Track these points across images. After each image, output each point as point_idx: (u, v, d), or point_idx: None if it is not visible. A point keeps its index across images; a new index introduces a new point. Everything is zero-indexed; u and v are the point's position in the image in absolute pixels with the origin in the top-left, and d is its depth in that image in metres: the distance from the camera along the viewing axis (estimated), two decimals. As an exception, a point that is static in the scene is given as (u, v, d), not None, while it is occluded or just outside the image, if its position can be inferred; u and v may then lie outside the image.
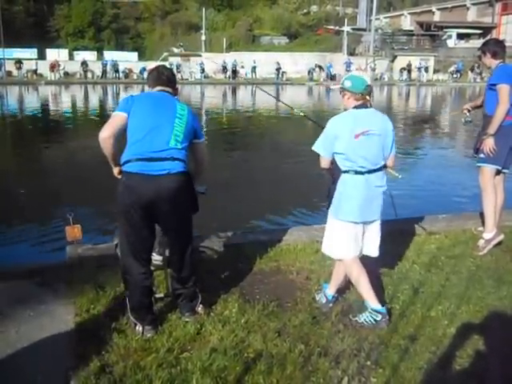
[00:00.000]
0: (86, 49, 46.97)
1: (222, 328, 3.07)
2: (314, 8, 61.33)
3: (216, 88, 36.21)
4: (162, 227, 3.14)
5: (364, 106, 3.18)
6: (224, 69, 40.82)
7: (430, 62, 43.04)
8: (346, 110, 3.26)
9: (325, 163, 3.26)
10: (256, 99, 29.25)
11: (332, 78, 40.67)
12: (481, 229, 4.83)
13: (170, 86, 3.22)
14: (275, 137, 14.73)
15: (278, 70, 40.24)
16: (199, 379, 2.60)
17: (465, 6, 52.87)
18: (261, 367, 2.69)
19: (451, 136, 15.73)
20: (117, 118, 3.02)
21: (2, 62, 36.74)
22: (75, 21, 52.17)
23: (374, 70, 39.09)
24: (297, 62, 42.77)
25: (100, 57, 43.02)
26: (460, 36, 48.30)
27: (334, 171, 3.22)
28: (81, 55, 42.64)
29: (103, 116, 19.04)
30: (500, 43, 4.68)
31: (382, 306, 3.23)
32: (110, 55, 42.30)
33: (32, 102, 25.79)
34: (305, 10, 61.07)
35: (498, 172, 4.59)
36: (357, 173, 3.14)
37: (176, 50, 44.92)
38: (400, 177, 3.68)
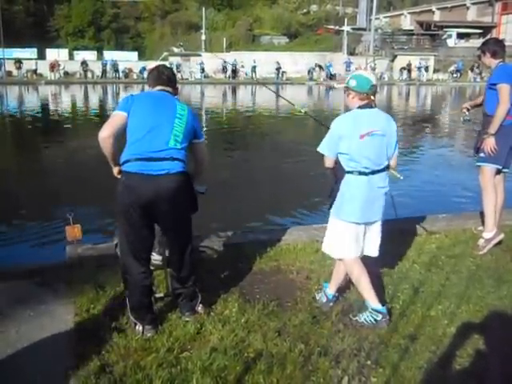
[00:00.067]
0: (85, 48, 46.96)
1: (222, 327, 3.07)
2: (314, 8, 61.31)
3: (216, 88, 36.22)
4: (162, 227, 3.14)
5: (368, 105, 3.15)
6: (224, 68, 40.83)
7: (430, 61, 43.04)
8: (349, 109, 3.23)
9: (329, 163, 3.24)
10: (256, 99, 29.27)
11: (331, 77, 40.68)
12: (481, 228, 4.83)
13: (170, 86, 3.22)
14: (275, 136, 14.73)
15: (278, 69, 40.24)
16: (199, 379, 2.59)
17: (465, 5, 52.85)
18: (261, 367, 2.69)
19: (451, 135, 15.72)
20: (116, 118, 3.01)
21: (1, 61, 36.75)
22: (75, 20, 52.19)
23: (373, 69, 39.05)
24: (297, 62, 42.77)
25: (100, 56, 43.01)
26: (460, 35, 48.29)
27: (338, 171, 3.20)
28: (81, 55, 42.63)
29: (103, 116, 19.03)
30: (499, 43, 4.68)
31: (383, 305, 3.23)
32: (109, 55, 42.30)
33: (32, 102, 25.78)
34: (305, 10, 61.03)
35: (498, 171, 4.59)
36: (360, 173, 3.13)
37: (176, 50, 44.91)
38: (402, 178, 3.67)
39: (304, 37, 54.21)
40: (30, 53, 40.49)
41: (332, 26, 52.54)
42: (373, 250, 3.35)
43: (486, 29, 47.93)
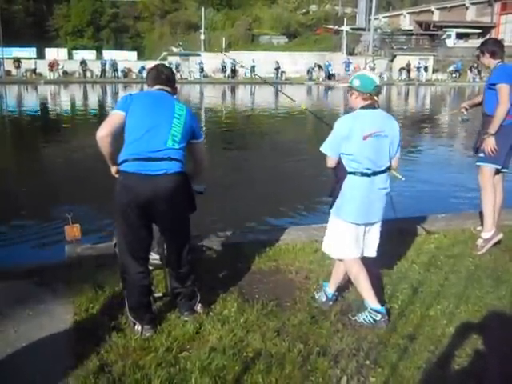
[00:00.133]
0: (85, 48, 46.89)
1: (221, 327, 3.07)
2: (313, 7, 61.26)
3: (215, 87, 36.22)
4: (159, 227, 3.14)
5: (372, 106, 3.14)
6: (223, 68, 40.83)
7: (429, 61, 43.05)
8: (350, 108, 3.22)
9: (331, 163, 3.22)
10: (255, 98, 29.27)
11: (330, 77, 40.67)
12: (480, 228, 4.83)
13: (169, 85, 3.21)
14: (274, 136, 14.73)
15: (277, 69, 40.22)
16: (198, 378, 2.59)
17: (464, 5, 52.87)
18: (260, 366, 2.69)
19: (450, 135, 15.73)
20: (114, 117, 3.01)
21: (1, 61, 36.74)
22: (74, 20, 52.15)
23: (373, 69, 39.02)
24: (296, 62, 42.76)
25: (99, 56, 42.99)
26: (459, 35, 48.30)
27: (339, 171, 3.19)
28: (80, 54, 42.59)
29: (102, 115, 19.01)
30: (498, 43, 4.68)
31: (382, 305, 3.23)
32: (109, 54, 42.27)
33: (31, 102, 25.77)
34: (304, 10, 60.99)
35: (498, 171, 4.60)
36: (362, 174, 3.12)
37: (175, 50, 44.89)
38: (403, 179, 3.66)
39: (303, 37, 54.19)
40: (29, 52, 40.45)
41: (331, 26, 52.51)
42: (371, 251, 3.35)
43: (485, 29, 47.95)
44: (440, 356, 2.87)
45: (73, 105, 24.92)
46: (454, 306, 3.41)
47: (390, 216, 4.29)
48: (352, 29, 49.42)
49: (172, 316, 3.23)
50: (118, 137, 3.02)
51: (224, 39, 46.39)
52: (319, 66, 41.70)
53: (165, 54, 41.92)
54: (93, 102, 27.48)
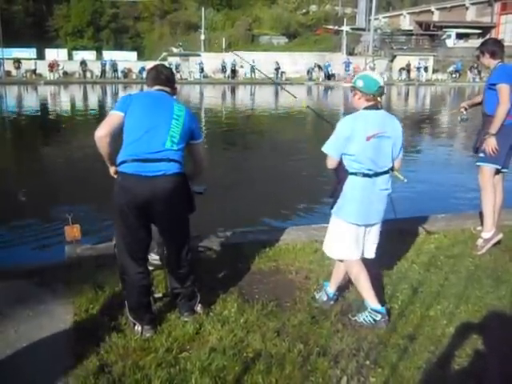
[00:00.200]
0: (84, 48, 46.92)
1: (221, 328, 3.07)
2: (313, 8, 61.28)
3: (215, 88, 36.21)
4: (158, 227, 3.14)
5: (375, 107, 3.13)
6: (223, 68, 40.83)
7: (429, 61, 43.03)
8: (354, 109, 3.20)
9: (332, 163, 3.20)
10: (255, 99, 29.27)
11: (330, 77, 40.66)
12: (480, 228, 4.83)
13: (168, 86, 3.21)
14: (274, 136, 14.73)
15: (277, 69, 40.20)
16: (198, 379, 2.59)
17: (464, 5, 52.87)
18: (260, 367, 2.69)
19: (450, 135, 15.73)
20: (113, 117, 3.01)
21: (0, 61, 36.71)
22: (74, 20, 52.18)
23: (373, 69, 39.06)
24: (296, 62, 42.74)
25: (99, 56, 42.96)
26: (459, 36, 48.29)
27: (340, 172, 3.18)
28: (80, 55, 42.57)
29: (102, 115, 18.98)
30: (498, 43, 4.68)
31: (382, 305, 3.23)
32: (108, 55, 42.25)
33: (31, 102, 25.76)
34: (304, 10, 61.01)
35: (498, 171, 4.60)
36: (364, 175, 3.11)
37: (175, 50, 44.88)
38: (406, 180, 3.64)
39: (303, 37, 54.19)
40: (29, 53, 40.43)
41: (331, 26, 52.53)
42: (370, 252, 3.34)
43: (485, 29, 47.93)
44: (440, 356, 2.87)
45: (73, 105, 24.92)
46: (453, 306, 3.41)
47: (390, 216, 4.30)
48: (352, 29, 49.41)
49: (172, 316, 3.23)
50: (117, 137, 3.01)
51: (224, 39, 46.43)
52: (319, 67, 41.70)
53: (165, 54, 41.91)
54: (93, 102, 27.48)
